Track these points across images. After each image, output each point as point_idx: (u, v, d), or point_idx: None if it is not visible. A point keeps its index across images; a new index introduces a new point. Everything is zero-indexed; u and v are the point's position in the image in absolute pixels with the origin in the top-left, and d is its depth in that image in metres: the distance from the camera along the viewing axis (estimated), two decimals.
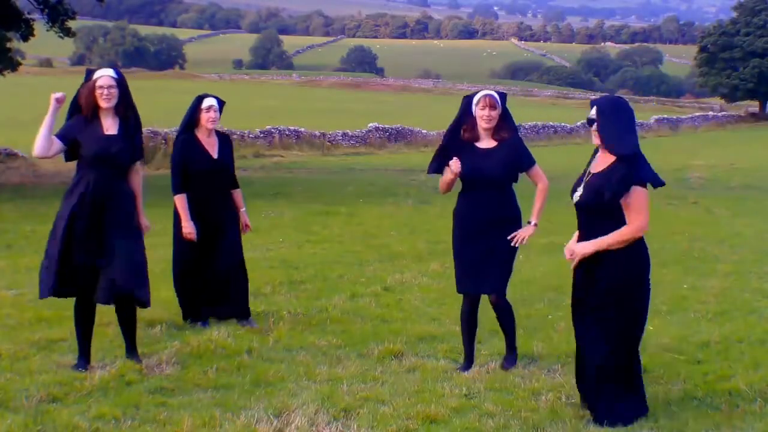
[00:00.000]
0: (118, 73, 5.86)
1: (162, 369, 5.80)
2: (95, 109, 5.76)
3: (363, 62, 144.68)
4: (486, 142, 5.97)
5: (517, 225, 5.98)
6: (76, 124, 5.79)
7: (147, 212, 6.05)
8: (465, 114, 5.99)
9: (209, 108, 6.94)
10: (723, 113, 67.89)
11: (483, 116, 5.91)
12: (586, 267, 5.14)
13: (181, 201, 6.95)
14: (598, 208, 5.06)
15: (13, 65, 22.92)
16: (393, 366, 6.06)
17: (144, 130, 6.34)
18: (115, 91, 5.75)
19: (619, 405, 5.10)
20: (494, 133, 5.96)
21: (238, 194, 7.25)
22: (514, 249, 6.00)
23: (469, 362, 6.10)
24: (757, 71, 66.44)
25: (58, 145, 5.73)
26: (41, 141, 5.63)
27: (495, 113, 5.92)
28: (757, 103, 70.98)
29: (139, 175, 6.00)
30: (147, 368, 5.78)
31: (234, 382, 5.59)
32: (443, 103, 57.43)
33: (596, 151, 5.28)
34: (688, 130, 53.53)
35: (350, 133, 33.53)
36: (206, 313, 7.06)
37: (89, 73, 5.85)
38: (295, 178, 21.54)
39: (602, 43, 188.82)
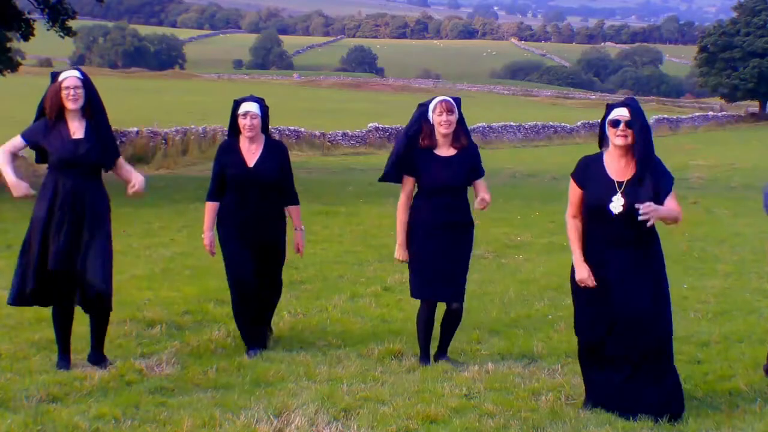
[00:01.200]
0: (83, 74, 5.76)
1: (162, 369, 5.80)
2: (61, 111, 5.66)
3: (363, 62, 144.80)
4: (445, 150, 5.97)
5: (471, 230, 6.05)
6: (41, 128, 5.70)
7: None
8: (421, 121, 5.99)
9: (245, 114, 6.18)
10: (723, 113, 67.88)
11: (441, 122, 5.91)
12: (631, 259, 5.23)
13: (207, 208, 6.32)
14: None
15: (13, 65, 22.92)
16: (393, 366, 6.06)
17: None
18: (81, 92, 5.64)
19: None
20: (453, 140, 5.97)
21: (294, 211, 6.58)
22: (469, 255, 6.07)
23: (426, 357, 6.15)
24: (757, 71, 66.47)
25: (20, 144, 5.74)
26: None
27: (453, 117, 5.93)
28: (757, 103, 71.00)
29: (125, 168, 5.87)
30: (147, 368, 5.78)
31: (234, 382, 5.59)
32: None
33: (599, 156, 5.23)
34: (688, 130, 53.55)
35: (350, 133, 33.57)
36: None
37: (54, 76, 5.72)
38: (295, 178, 21.50)
39: (602, 43, 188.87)
